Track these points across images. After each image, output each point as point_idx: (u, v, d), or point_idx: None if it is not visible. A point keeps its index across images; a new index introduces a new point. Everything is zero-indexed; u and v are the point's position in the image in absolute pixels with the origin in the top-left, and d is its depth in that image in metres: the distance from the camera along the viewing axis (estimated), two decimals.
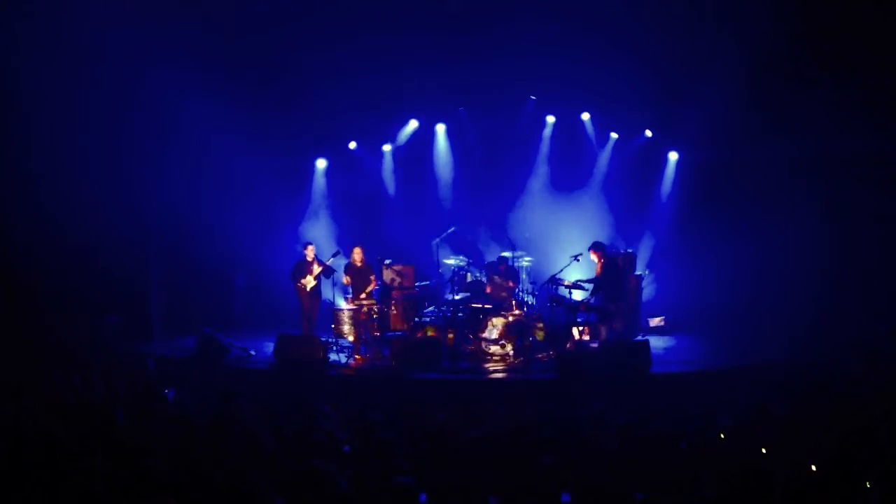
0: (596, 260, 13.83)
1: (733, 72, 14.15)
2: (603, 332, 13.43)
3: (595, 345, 13.02)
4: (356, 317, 13.62)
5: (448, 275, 14.50)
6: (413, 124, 16.99)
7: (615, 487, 6.05)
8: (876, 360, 10.84)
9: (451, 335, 13.14)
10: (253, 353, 13.54)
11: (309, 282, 13.99)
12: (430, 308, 14.48)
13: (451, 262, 14.97)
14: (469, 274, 14.78)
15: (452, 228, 15.78)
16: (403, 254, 15.76)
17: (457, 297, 13.67)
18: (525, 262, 15.50)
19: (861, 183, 14.30)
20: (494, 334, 13.25)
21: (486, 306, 13.51)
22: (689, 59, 14.81)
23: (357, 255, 14.20)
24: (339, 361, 13.05)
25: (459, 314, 13.43)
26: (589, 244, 14.04)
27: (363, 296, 13.96)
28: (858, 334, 12.72)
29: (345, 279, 14.15)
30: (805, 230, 14.47)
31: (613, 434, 7.67)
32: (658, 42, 14.52)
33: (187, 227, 14.88)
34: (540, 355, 13.04)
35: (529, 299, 14.75)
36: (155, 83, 13.74)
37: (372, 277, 14.15)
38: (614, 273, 13.67)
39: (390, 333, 13.49)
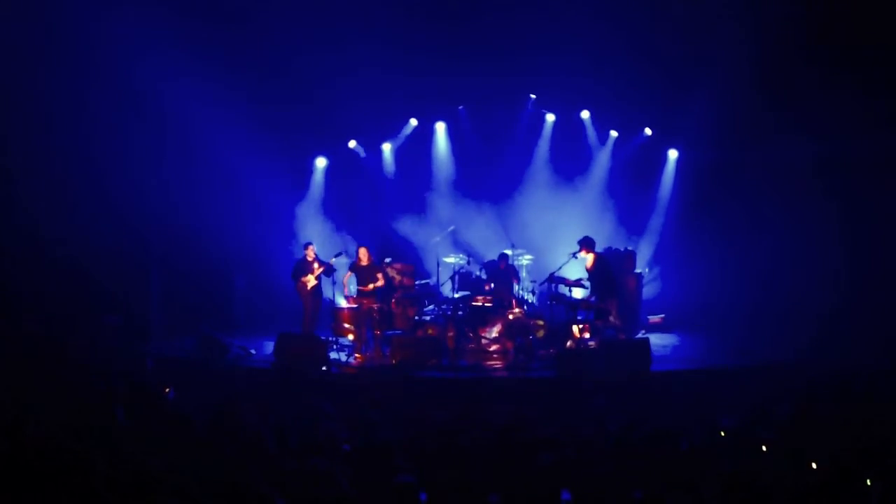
0: (586, 256, 13.68)
1: (734, 69, 14.13)
2: (598, 328, 13.41)
3: (595, 343, 13.01)
4: (357, 316, 13.62)
5: (448, 273, 14.50)
6: (413, 123, 17.00)
7: (615, 486, 6.06)
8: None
9: (451, 334, 13.13)
10: (253, 352, 13.53)
11: (309, 280, 13.99)
12: (431, 307, 14.48)
13: (451, 260, 14.97)
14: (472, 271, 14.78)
15: (452, 227, 15.78)
16: (403, 253, 15.76)
17: (457, 296, 13.67)
18: (525, 260, 15.51)
19: (867, 182, 14.26)
20: (494, 333, 13.27)
21: (487, 304, 13.52)
22: (689, 56, 14.79)
23: (363, 255, 14.17)
24: (340, 360, 13.04)
25: (460, 312, 13.43)
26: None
27: (370, 286, 13.90)
28: (863, 335, 12.69)
29: (345, 277, 14.14)
30: (807, 229, 14.46)
31: (613, 433, 7.67)
32: (658, 39, 14.51)
33: (186, 227, 14.84)
34: (540, 353, 13.03)
35: (530, 297, 14.75)
36: (153, 82, 13.73)
37: (379, 275, 14.12)
38: (604, 269, 13.60)
39: (390, 332, 13.49)
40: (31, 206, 13.49)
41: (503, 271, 14.45)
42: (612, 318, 13.56)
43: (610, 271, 13.71)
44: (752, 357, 13.20)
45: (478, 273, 14.77)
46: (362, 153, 17.06)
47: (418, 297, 14.58)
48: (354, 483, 5.93)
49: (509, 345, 13.10)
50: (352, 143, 16.92)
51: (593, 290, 13.49)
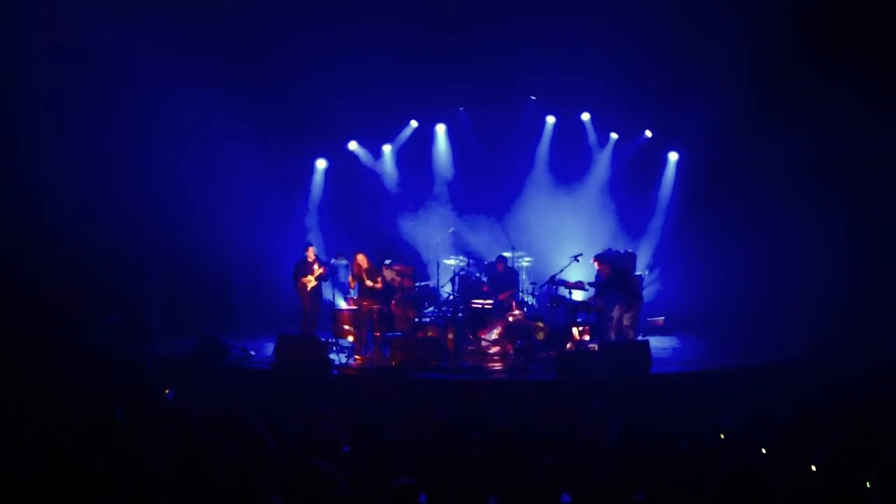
0: (598, 267, 13.72)
1: (734, 71, 14.12)
2: (612, 333, 13.39)
3: (595, 345, 13.02)
4: (357, 317, 13.62)
5: (448, 275, 14.50)
6: (413, 124, 17.00)
7: (615, 488, 6.06)
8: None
9: (451, 336, 13.13)
10: (253, 353, 13.53)
11: (309, 281, 14.00)
12: (431, 308, 14.48)
13: (451, 262, 14.97)
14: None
15: (452, 229, 15.79)
16: (403, 254, 15.76)
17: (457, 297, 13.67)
18: (525, 262, 15.50)
19: (867, 182, 14.25)
20: (494, 335, 13.26)
21: (487, 306, 13.52)
22: (689, 58, 14.78)
23: (361, 260, 14.16)
24: (340, 361, 13.04)
25: (459, 314, 13.43)
26: (589, 244, 14.04)
27: (371, 285, 13.91)
28: (863, 336, 12.68)
29: (350, 281, 14.16)
30: (807, 229, 14.45)
31: (613, 434, 7.68)
32: (658, 41, 14.50)
33: (187, 228, 14.86)
34: (540, 356, 13.03)
35: (530, 300, 14.74)
36: (153, 82, 13.72)
37: (378, 279, 14.12)
38: (621, 278, 13.58)
39: (390, 333, 13.49)
40: (32, 207, 13.49)
41: (501, 273, 14.45)
42: (626, 323, 13.47)
43: (626, 277, 13.70)
44: (752, 358, 13.20)
45: (478, 275, 14.78)
46: (362, 155, 17.07)
47: (418, 298, 14.58)
48: (354, 484, 5.93)
49: (509, 347, 13.09)
50: (352, 145, 16.92)
51: (610, 295, 13.42)
